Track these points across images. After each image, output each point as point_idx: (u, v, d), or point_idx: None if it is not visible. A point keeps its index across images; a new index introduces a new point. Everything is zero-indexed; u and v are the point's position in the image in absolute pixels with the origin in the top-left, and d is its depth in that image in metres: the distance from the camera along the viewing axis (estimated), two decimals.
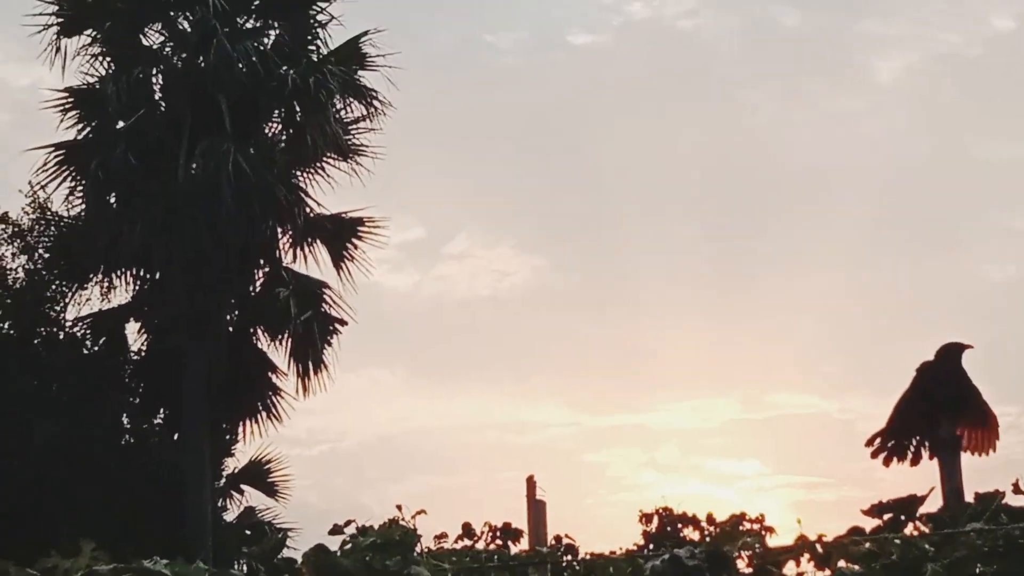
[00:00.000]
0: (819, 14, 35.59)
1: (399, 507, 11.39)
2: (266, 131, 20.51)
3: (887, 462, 11.78)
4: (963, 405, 11.64)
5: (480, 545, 15.35)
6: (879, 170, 33.16)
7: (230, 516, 21.25)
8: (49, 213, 20.42)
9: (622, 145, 33.65)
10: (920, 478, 11.97)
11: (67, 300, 20.28)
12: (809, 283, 32.67)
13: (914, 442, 11.73)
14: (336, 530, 6.75)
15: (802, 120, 34.96)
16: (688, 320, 32.55)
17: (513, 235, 34.82)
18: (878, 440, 11.88)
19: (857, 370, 31.38)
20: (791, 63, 35.36)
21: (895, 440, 11.75)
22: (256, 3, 20.67)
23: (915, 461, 11.73)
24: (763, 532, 17.19)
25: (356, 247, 20.74)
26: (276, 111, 20.32)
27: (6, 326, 19.98)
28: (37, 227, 20.42)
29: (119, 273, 19.95)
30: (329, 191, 20.70)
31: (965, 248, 33.09)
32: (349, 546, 6.01)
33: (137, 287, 20.10)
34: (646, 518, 19.66)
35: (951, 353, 11.94)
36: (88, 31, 20.03)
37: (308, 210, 20.36)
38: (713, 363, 32.14)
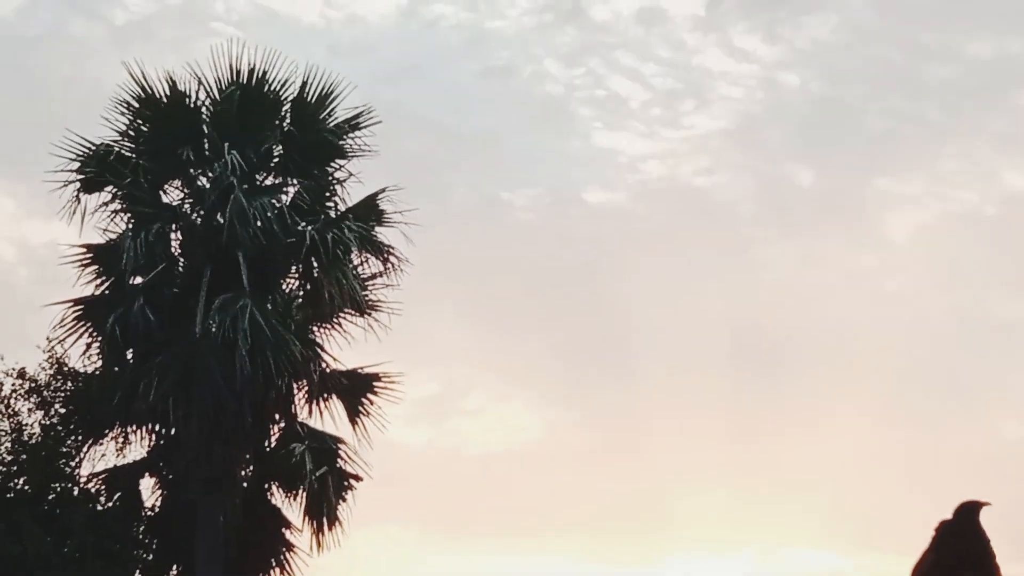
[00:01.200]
0: (833, 172, 35.94)
1: None
2: (283, 286, 20.60)
3: None
4: (980, 564, 11.56)
5: None
6: (897, 328, 33.18)
7: None
8: (66, 368, 20.44)
9: (639, 302, 33.73)
10: None
11: (82, 455, 20.26)
12: (827, 440, 32.46)
13: None
14: None
15: (820, 278, 35.07)
16: (704, 477, 32.33)
17: (529, 390, 34.77)
18: None
19: (874, 527, 31.06)
20: (807, 221, 35.58)
21: None
22: (275, 161, 20.89)
23: None
24: None
25: (372, 402, 20.75)
26: (294, 266, 20.42)
27: (21, 482, 19.92)
28: (54, 382, 20.44)
29: (135, 428, 19.91)
30: (346, 346, 20.79)
31: (984, 406, 32.97)
32: None
33: (153, 442, 20.07)
34: None
35: (969, 511, 11.89)
36: (108, 188, 20.22)
37: (324, 365, 20.41)
38: (728, 520, 31.84)
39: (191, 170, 20.51)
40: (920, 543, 12.17)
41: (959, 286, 34.60)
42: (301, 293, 20.54)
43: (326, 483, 19.95)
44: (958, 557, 11.59)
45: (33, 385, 20.36)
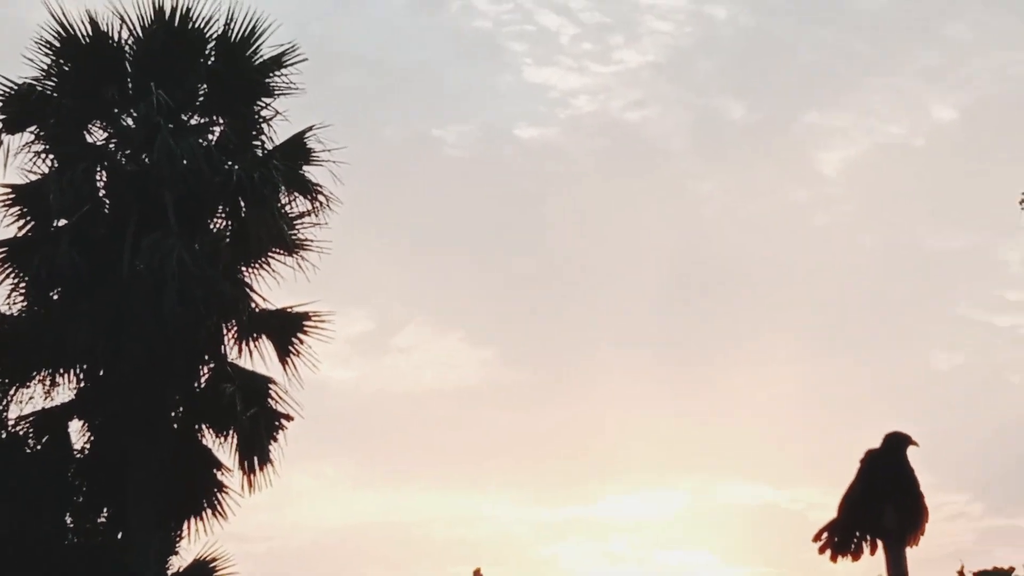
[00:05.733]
0: (763, 106, 36.07)
1: None
2: (211, 227, 20.44)
3: (833, 558, 11.78)
4: (905, 494, 11.67)
5: None
6: (828, 260, 33.47)
7: None
8: None
9: (572, 237, 33.85)
10: (872, 567, 11.99)
11: (9, 399, 20.07)
12: (760, 373, 32.78)
13: (856, 536, 11.73)
14: None
15: (752, 211, 35.31)
16: (638, 412, 32.59)
17: (462, 327, 34.84)
18: (824, 535, 11.89)
19: (807, 460, 31.44)
20: (739, 155, 35.73)
21: (840, 535, 11.76)
22: (200, 99, 20.70)
23: (856, 556, 11.72)
24: None
25: (302, 341, 20.65)
26: (221, 206, 20.27)
27: None
28: None
29: (62, 371, 19.73)
30: (275, 285, 20.69)
31: (914, 337, 33.36)
32: None
33: (81, 385, 19.90)
34: None
35: (896, 443, 11.98)
36: (31, 128, 19.98)
37: (253, 305, 20.29)
38: (664, 454, 32.14)
39: (115, 110, 20.28)
40: (850, 474, 12.27)
41: (889, 219, 34.93)
42: (229, 233, 20.40)
43: (257, 423, 19.89)
44: (883, 486, 11.69)
45: None
